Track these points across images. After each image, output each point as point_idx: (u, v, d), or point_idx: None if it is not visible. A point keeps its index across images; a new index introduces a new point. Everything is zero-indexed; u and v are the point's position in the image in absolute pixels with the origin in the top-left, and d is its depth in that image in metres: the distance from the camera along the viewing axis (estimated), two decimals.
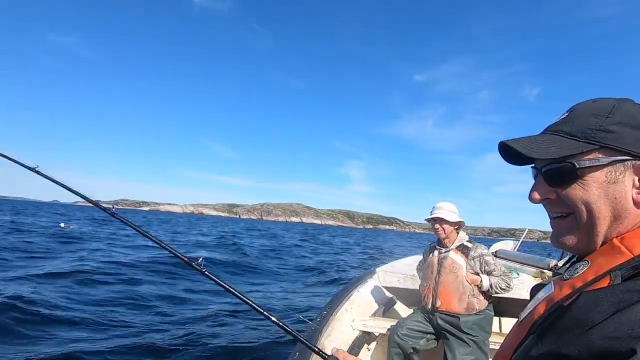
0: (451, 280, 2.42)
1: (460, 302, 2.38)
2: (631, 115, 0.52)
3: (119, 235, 15.13)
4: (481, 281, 2.36)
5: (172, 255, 1.24)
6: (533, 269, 3.62)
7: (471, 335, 2.36)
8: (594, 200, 0.51)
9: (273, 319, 1.15)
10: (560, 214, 0.55)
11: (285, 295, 6.97)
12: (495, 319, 3.00)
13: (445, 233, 2.48)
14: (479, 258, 2.41)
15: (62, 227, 17.90)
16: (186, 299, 5.96)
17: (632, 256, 0.47)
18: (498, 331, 3.30)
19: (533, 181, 0.59)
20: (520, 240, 4.63)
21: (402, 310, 3.53)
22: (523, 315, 0.59)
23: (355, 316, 2.84)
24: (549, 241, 0.69)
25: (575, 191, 0.52)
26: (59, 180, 1.49)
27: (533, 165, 0.60)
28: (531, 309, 0.56)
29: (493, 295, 2.43)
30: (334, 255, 15.63)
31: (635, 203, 0.50)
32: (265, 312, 1.16)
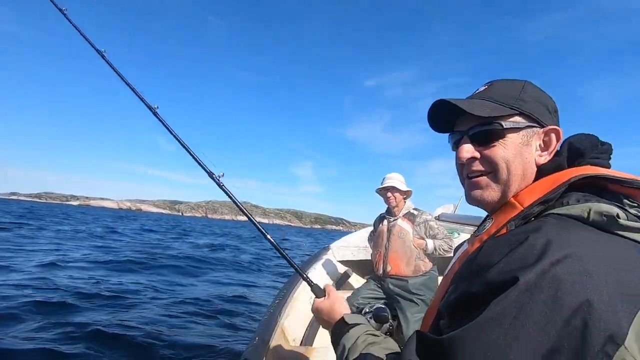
0: (399, 246, 2.64)
1: (408, 265, 2.61)
2: (535, 92, 0.64)
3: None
4: (426, 244, 2.60)
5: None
6: (471, 228, 3.99)
7: (419, 295, 2.58)
8: (512, 159, 0.60)
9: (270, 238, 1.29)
10: (481, 172, 0.63)
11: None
12: (440, 278, 3.29)
13: (396, 201, 2.69)
14: (424, 224, 2.65)
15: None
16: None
17: (522, 208, 0.56)
18: None
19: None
20: (459, 203, 5.07)
21: (357, 281, 3.69)
22: (446, 270, 0.68)
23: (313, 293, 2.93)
24: None
25: (498, 150, 0.61)
26: None
27: (453, 131, 0.68)
28: (451, 265, 0.67)
29: (437, 257, 2.69)
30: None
31: (536, 164, 0.61)
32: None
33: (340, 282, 3.44)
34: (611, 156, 0.62)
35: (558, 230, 0.48)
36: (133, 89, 1.55)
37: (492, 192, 0.62)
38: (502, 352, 0.42)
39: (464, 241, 0.73)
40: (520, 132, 0.61)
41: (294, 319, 2.58)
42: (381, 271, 2.70)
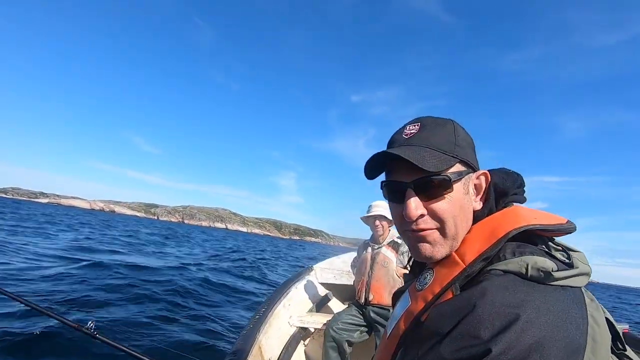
0: (383, 275, 2.64)
1: (390, 294, 2.56)
2: (463, 134, 0.62)
3: None
4: None
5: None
6: None
7: None
8: (457, 212, 0.57)
9: None
10: (429, 228, 0.58)
11: None
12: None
13: (383, 229, 2.71)
14: (407, 253, 2.64)
15: None
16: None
17: (464, 266, 0.54)
18: None
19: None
20: None
21: (337, 305, 3.67)
22: (389, 327, 0.64)
23: (292, 312, 2.92)
24: None
25: (444, 204, 0.57)
26: None
27: (390, 180, 0.62)
28: (395, 321, 0.62)
29: None
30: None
31: (474, 210, 0.60)
32: None
33: (320, 304, 3.42)
34: (524, 189, 0.64)
35: (503, 294, 0.48)
36: None
37: (441, 249, 0.58)
38: None
39: (400, 289, 0.72)
40: (462, 181, 0.59)
41: (273, 336, 2.55)
42: (363, 299, 2.70)
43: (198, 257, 12.41)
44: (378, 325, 2.64)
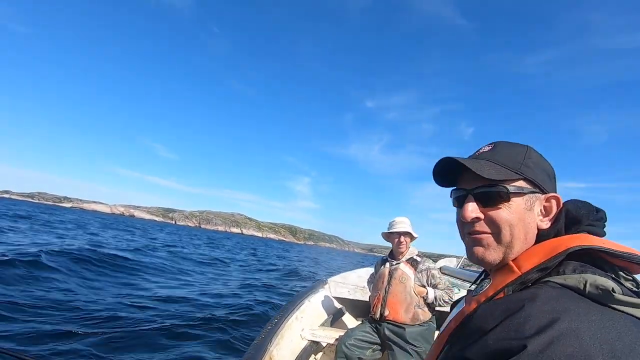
0: (400, 291, 2.57)
1: (406, 312, 2.53)
2: (537, 158, 0.66)
3: None
4: (427, 293, 2.53)
5: None
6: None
7: (415, 346, 2.48)
8: (515, 222, 0.61)
9: None
10: (484, 232, 0.63)
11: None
12: (437, 333, 3.21)
13: (406, 246, 2.65)
14: (426, 271, 2.59)
15: None
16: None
17: (520, 274, 0.57)
18: None
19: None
20: (462, 259, 5.04)
21: (351, 321, 3.62)
22: (442, 328, 0.68)
23: (304, 325, 2.88)
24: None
25: (503, 212, 0.61)
26: None
27: (456, 187, 0.69)
28: (447, 322, 0.66)
29: (436, 308, 2.61)
30: None
31: (538, 228, 0.63)
32: None
33: (334, 319, 3.36)
34: (606, 224, 0.63)
35: (554, 301, 0.48)
36: None
37: (493, 253, 0.62)
38: None
39: (462, 297, 0.73)
40: (524, 197, 0.62)
41: (284, 348, 2.52)
42: (378, 314, 2.62)
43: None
44: (391, 344, 2.55)
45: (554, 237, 0.60)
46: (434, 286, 2.58)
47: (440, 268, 4.73)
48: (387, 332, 2.57)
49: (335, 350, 2.61)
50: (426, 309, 2.58)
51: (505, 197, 0.61)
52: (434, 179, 0.71)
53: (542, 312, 0.47)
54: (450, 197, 0.71)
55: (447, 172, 0.68)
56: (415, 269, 2.61)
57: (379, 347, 2.67)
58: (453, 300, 2.60)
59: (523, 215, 0.61)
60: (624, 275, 0.54)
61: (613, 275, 0.53)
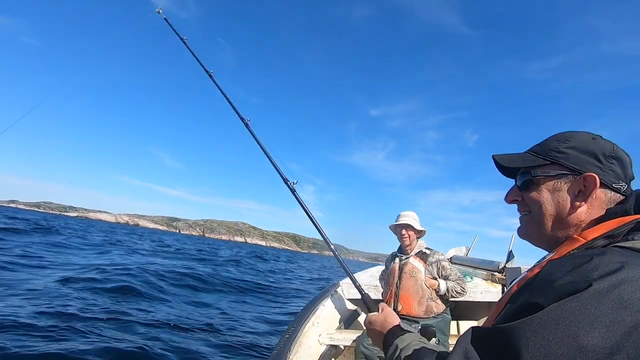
0: (411, 285, 2.58)
1: (419, 305, 2.55)
2: (582, 142, 0.69)
3: None
4: (438, 285, 2.55)
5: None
6: (484, 272, 3.89)
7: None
8: (543, 202, 0.69)
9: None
10: (524, 212, 0.74)
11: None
12: (453, 323, 3.20)
13: (410, 240, 2.66)
14: (436, 263, 2.61)
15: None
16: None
17: (585, 241, 0.61)
18: (456, 334, 3.47)
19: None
20: (472, 246, 4.96)
21: None
22: (503, 295, 0.71)
23: (321, 330, 2.87)
24: None
25: (533, 194, 0.71)
26: None
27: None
28: (508, 289, 0.68)
29: (450, 299, 2.63)
30: None
31: (572, 207, 0.67)
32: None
33: (349, 320, 3.35)
34: None
35: (622, 256, 0.50)
36: (229, 102, 2.20)
37: (529, 229, 0.73)
38: (569, 341, 0.44)
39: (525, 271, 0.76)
40: (553, 180, 0.69)
41: (303, 355, 2.50)
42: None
43: None
44: None
45: (621, 216, 0.62)
46: (445, 278, 2.60)
47: (450, 258, 4.68)
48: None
49: (355, 352, 2.61)
50: (439, 301, 2.60)
51: (533, 181, 0.70)
52: (501, 172, 0.81)
53: (610, 262, 0.49)
54: None
55: (506, 168, 0.78)
56: (425, 262, 2.63)
57: None
58: (466, 291, 2.64)
59: (552, 195, 0.68)
60: None
61: None
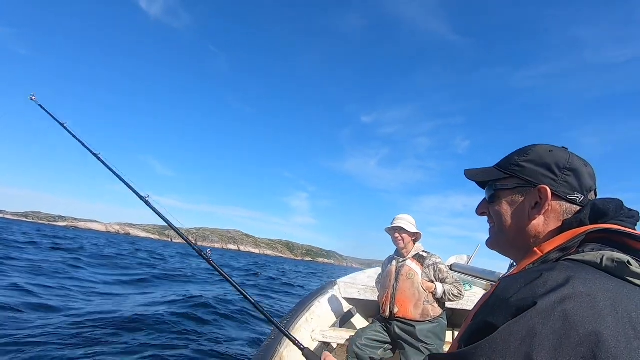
0: (408, 287, 2.58)
1: (416, 308, 2.54)
2: (538, 155, 0.71)
3: None
4: (435, 288, 2.55)
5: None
6: (484, 282, 3.93)
7: (426, 344, 2.49)
8: (503, 214, 0.73)
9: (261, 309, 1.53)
10: (490, 223, 0.77)
11: None
12: (449, 331, 3.21)
13: (404, 242, 2.66)
14: (433, 266, 2.61)
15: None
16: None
17: (542, 254, 0.63)
18: (451, 341, 3.47)
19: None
20: (474, 255, 4.98)
21: (361, 321, 3.60)
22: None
23: (315, 327, 2.88)
24: None
25: (496, 207, 0.74)
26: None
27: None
28: (474, 304, 0.70)
29: (446, 303, 2.63)
30: None
31: (529, 219, 0.69)
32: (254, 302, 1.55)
33: (344, 320, 3.35)
34: (637, 222, 0.64)
35: (570, 270, 0.51)
36: (121, 179, 2.09)
37: (494, 240, 0.76)
38: None
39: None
40: (511, 192, 0.72)
41: (294, 350, 2.41)
42: (388, 312, 2.64)
43: None
44: (403, 343, 2.56)
45: (577, 227, 0.64)
46: (442, 280, 2.60)
47: (450, 266, 4.68)
48: (397, 331, 2.58)
49: (347, 351, 2.60)
50: (436, 304, 2.60)
51: (495, 193, 0.74)
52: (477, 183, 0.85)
53: (557, 278, 0.50)
54: None
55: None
56: (422, 265, 2.63)
57: (391, 346, 2.67)
58: (463, 295, 2.65)
59: (511, 207, 0.72)
60: None
61: (633, 256, 0.55)
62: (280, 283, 14.22)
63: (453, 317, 2.98)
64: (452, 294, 2.55)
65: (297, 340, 1.40)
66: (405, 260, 2.69)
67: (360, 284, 3.63)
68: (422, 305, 2.56)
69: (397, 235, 2.68)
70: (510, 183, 0.73)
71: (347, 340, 2.73)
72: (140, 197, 1.98)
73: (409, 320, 2.56)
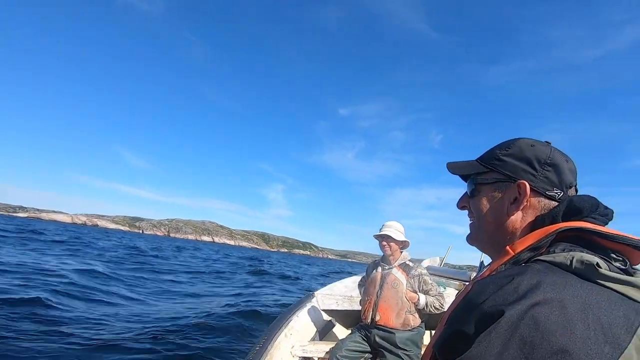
0: (392, 296, 2.57)
1: (397, 317, 2.54)
2: (519, 149, 0.68)
3: None
4: (418, 299, 2.55)
5: None
6: (457, 282, 4.05)
7: (405, 350, 2.51)
8: (483, 208, 0.70)
9: None
10: (471, 217, 0.75)
11: None
12: (427, 334, 3.25)
13: (390, 250, 2.65)
14: (418, 277, 2.60)
15: None
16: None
17: (514, 254, 0.61)
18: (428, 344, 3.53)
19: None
20: (445, 257, 5.12)
21: (341, 331, 3.58)
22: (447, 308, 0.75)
23: (294, 342, 2.83)
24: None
25: (476, 202, 0.72)
26: None
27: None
28: (449, 306, 0.68)
29: (426, 313, 2.63)
30: None
31: (507, 214, 0.67)
32: None
33: (323, 332, 3.31)
34: (610, 221, 0.64)
35: (541, 274, 0.50)
36: None
37: (474, 235, 0.74)
38: None
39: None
40: (490, 187, 0.70)
41: None
42: (369, 319, 2.61)
43: None
44: (382, 350, 2.55)
45: (549, 224, 0.62)
46: (426, 292, 2.60)
47: (425, 268, 4.79)
48: (377, 339, 2.57)
49: None
50: (417, 314, 2.61)
51: (477, 188, 0.72)
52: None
53: (527, 283, 0.49)
54: None
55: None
56: (408, 274, 2.62)
57: (371, 355, 2.66)
58: (444, 308, 2.65)
59: (491, 202, 0.70)
60: (615, 256, 0.56)
61: (603, 256, 0.54)
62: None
63: (430, 320, 3.01)
64: (434, 306, 2.56)
65: None
66: (391, 269, 2.67)
67: (338, 295, 3.60)
68: (404, 315, 2.55)
69: (384, 243, 2.66)
70: (490, 177, 0.70)
71: (327, 353, 2.70)
72: None
73: (390, 328, 2.54)
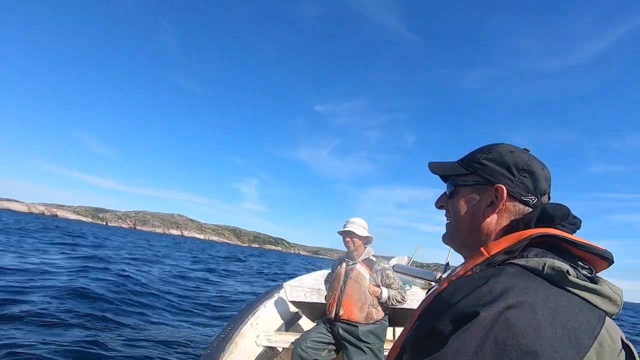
0: (355, 290, 2.64)
1: (360, 311, 2.62)
2: (499, 154, 0.71)
3: None
4: (381, 293, 2.64)
5: None
6: (422, 281, 4.21)
7: (368, 343, 2.59)
8: (461, 209, 0.72)
9: None
10: (448, 218, 0.77)
11: None
12: (390, 329, 3.38)
13: (354, 246, 2.73)
14: (381, 271, 2.70)
15: None
16: None
17: (488, 256, 0.63)
18: (392, 339, 3.65)
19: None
20: (413, 256, 5.29)
21: (307, 323, 3.63)
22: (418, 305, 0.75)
23: (260, 332, 2.85)
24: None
25: (454, 202, 0.74)
26: None
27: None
28: (420, 303, 0.71)
29: (389, 306, 2.74)
30: None
31: (483, 216, 0.69)
32: None
33: (290, 323, 3.36)
34: (578, 230, 0.68)
35: (515, 278, 0.53)
36: None
37: (450, 235, 0.76)
38: None
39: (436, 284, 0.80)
40: (469, 188, 0.73)
41: (238, 357, 2.48)
42: (333, 314, 2.69)
43: None
44: (345, 343, 2.63)
45: (523, 229, 0.65)
46: (388, 286, 2.70)
47: (392, 267, 4.94)
48: (340, 332, 2.64)
49: (292, 354, 2.62)
50: (380, 308, 2.69)
51: (455, 189, 0.74)
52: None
53: (502, 286, 0.51)
54: None
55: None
56: (371, 269, 2.70)
57: (334, 347, 2.74)
58: (406, 300, 2.78)
59: (468, 204, 0.72)
60: (582, 264, 0.61)
61: (571, 263, 0.58)
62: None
63: (394, 316, 3.13)
64: (395, 299, 2.67)
65: None
66: (355, 264, 2.74)
67: (306, 287, 3.66)
68: (367, 309, 2.64)
69: (347, 239, 2.72)
70: (469, 179, 0.73)
71: (292, 343, 2.74)
72: None
73: (353, 322, 2.63)
